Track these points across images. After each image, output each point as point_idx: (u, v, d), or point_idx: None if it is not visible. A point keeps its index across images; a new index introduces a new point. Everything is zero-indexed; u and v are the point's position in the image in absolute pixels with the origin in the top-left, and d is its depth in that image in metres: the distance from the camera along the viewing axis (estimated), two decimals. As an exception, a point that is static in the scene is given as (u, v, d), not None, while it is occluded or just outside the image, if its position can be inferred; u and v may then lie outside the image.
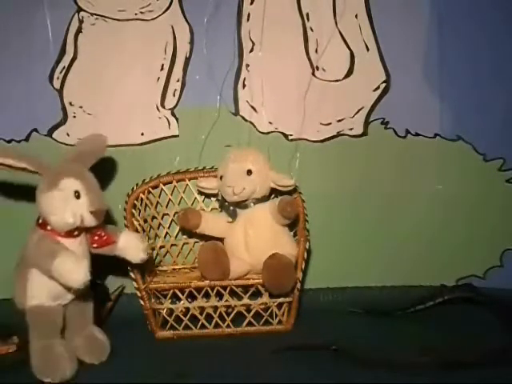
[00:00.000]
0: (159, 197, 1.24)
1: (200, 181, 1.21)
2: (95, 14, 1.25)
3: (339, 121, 1.30)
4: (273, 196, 1.18)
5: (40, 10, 1.23)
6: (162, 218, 1.25)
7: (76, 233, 0.93)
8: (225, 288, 1.08)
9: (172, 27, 1.27)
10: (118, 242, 0.97)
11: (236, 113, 1.28)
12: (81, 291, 0.92)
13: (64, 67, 1.25)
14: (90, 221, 0.91)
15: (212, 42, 1.26)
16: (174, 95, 1.28)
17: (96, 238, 0.96)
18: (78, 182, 0.91)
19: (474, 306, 1.19)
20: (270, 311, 1.12)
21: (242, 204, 1.13)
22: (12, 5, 1.23)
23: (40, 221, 0.93)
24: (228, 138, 1.26)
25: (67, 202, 0.89)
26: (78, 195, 0.90)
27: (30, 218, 1.17)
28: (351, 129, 1.30)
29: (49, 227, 0.91)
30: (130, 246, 0.97)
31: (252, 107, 1.28)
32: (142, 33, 1.26)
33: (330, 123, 1.30)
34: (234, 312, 1.11)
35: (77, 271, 0.86)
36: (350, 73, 1.29)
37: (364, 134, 1.30)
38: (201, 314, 1.12)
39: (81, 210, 0.90)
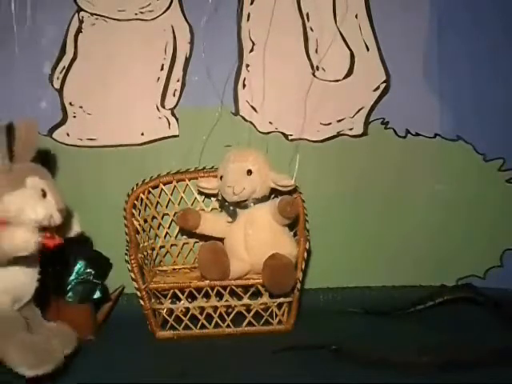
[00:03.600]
0: (159, 197, 1.24)
1: (200, 181, 1.21)
2: (95, 14, 1.25)
3: (339, 121, 1.30)
4: (273, 196, 1.18)
5: (40, 9, 1.23)
6: (162, 218, 1.25)
7: None
8: (225, 288, 1.08)
9: (172, 27, 1.27)
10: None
11: (236, 113, 1.28)
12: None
13: (64, 67, 1.25)
14: (57, 219, 0.89)
15: (212, 42, 1.26)
16: (174, 95, 1.28)
17: (47, 238, 0.91)
18: (43, 181, 0.90)
19: (473, 306, 1.19)
20: (270, 311, 1.12)
21: (242, 204, 1.13)
22: (12, 5, 1.23)
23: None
24: (228, 138, 1.26)
25: (36, 200, 0.87)
26: (44, 194, 0.89)
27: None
28: (351, 129, 1.30)
29: (6, 227, 0.86)
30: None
31: (252, 107, 1.28)
32: (142, 33, 1.26)
33: (330, 123, 1.30)
34: (234, 312, 1.11)
35: (26, 237, 0.84)
36: (350, 73, 1.29)
37: (364, 134, 1.30)
38: (201, 314, 1.12)
39: (49, 208, 0.88)
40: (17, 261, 0.88)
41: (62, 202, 0.91)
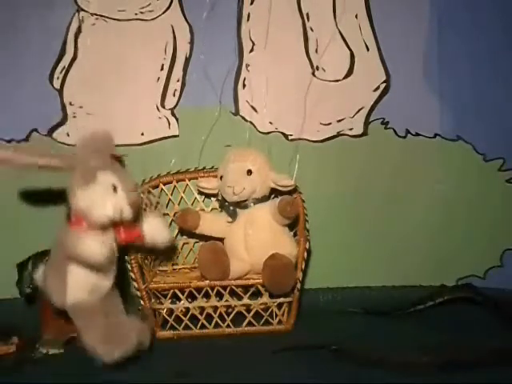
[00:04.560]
0: (159, 197, 1.24)
1: (200, 181, 1.21)
2: (95, 14, 1.25)
3: (339, 121, 1.30)
4: (273, 196, 1.18)
5: (40, 9, 1.23)
6: (161, 218, 1.25)
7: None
8: (225, 288, 1.08)
9: (172, 27, 1.27)
10: (145, 234, 0.98)
11: (236, 113, 1.28)
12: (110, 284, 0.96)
13: (64, 67, 1.25)
14: (129, 214, 0.92)
15: (212, 42, 1.26)
16: (174, 95, 1.28)
17: (123, 232, 0.96)
18: (114, 175, 0.92)
19: (473, 306, 1.19)
20: (270, 311, 1.12)
21: (242, 204, 1.13)
22: (12, 5, 1.23)
23: (73, 218, 0.92)
24: (228, 138, 1.26)
25: (106, 196, 0.90)
26: (114, 188, 0.91)
27: (29, 219, 1.18)
28: (351, 129, 1.30)
29: (84, 223, 0.91)
30: (154, 232, 0.97)
31: (252, 107, 1.28)
32: (142, 33, 1.26)
33: (330, 123, 1.30)
34: (234, 312, 1.11)
35: (99, 249, 0.88)
36: (350, 73, 1.29)
37: (364, 134, 1.30)
38: (201, 314, 1.12)
39: (119, 203, 0.91)
40: None
41: (135, 195, 0.93)
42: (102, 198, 0.90)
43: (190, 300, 1.11)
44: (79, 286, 0.94)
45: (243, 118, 1.29)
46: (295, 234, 1.18)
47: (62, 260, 0.93)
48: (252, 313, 1.11)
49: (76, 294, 0.94)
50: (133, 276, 1.10)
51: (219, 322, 1.11)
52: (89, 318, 0.93)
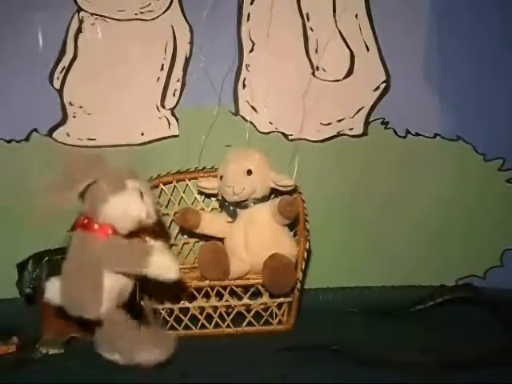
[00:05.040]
0: (159, 197, 1.24)
1: (200, 181, 1.21)
2: (95, 14, 1.25)
3: (339, 121, 1.30)
4: (273, 196, 1.18)
5: (40, 9, 1.23)
6: (162, 218, 1.25)
7: None
8: (225, 288, 1.08)
9: (172, 27, 1.27)
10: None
11: (236, 113, 1.28)
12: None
13: (64, 67, 1.25)
14: (154, 217, 0.95)
15: (212, 42, 1.26)
16: (174, 95, 1.28)
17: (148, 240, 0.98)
18: (139, 183, 0.94)
19: (473, 306, 1.19)
20: (270, 311, 1.12)
21: (242, 204, 1.13)
22: (12, 4, 1.23)
23: (96, 226, 0.92)
24: (228, 138, 1.26)
25: (139, 200, 0.92)
26: (141, 195, 0.93)
27: (30, 219, 1.18)
28: (351, 129, 1.30)
29: (110, 231, 0.92)
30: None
31: (252, 107, 1.28)
32: (142, 33, 1.26)
33: (330, 123, 1.30)
34: (234, 312, 1.11)
35: (173, 264, 0.90)
36: (350, 73, 1.29)
37: (364, 134, 1.30)
38: (201, 314, 1.12)
39: (147, 207, 0.93)
40: None
41: (155, 203, 0.97)
42: (135, 202, 0.92)
43: (190, 300, 1.11)
44: (113, 293, 0.93)
45: (243, 117, 1.29)
46: (295, 234, 1.18)
47: (93, 270, 0.92)
48: (252, 313, 1.11)
49: (112, 301, 0.94)
50: (133, 276, 1.10)
51: (219, 321, 1.11)
52: (124, 324, 0.93)
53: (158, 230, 1.02)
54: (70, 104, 1.26)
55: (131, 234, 0.94)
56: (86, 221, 0.93)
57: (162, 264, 0.90)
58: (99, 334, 0.94)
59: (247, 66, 1.28)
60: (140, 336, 0.92)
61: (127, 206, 0.92)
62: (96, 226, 0.93)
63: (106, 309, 0.92)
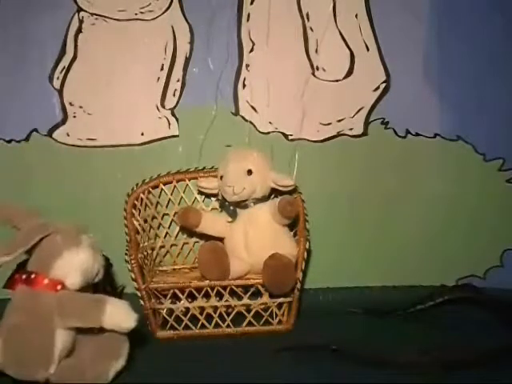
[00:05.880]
0: (159, 197, 1.24)
1: (200, 181, 1.21)
2: (95, 14, 1.25)
3: (339, 121, 1.30)
4: (273, 196, 1.18)
5: (40, 9, 1.23)
6: (161, 218, 1.25)
7: None
8: (225, 288, 1.08)
9: (172, 27, 1.27)
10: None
11: (236, 113, 1.28)
12: None
13: (64, 67, 1.25)
14: (100, 276, 0.95)
15: (212, 42, 1.26)
16: (174, 95, 1.28)
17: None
18: (91, 239, 0.94)
19: (473, 306, 1.19)
20: (270, 311, 1.12)
21: (242, 204, 1.13)
22: (12, 5, 1.23)
23: (46, 281, 0.89)
24: (228, 138, 1.26)
25: (92, 258, 0.92)
26: (94, 250, 0.93)
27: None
28: (351, 129, 1.30)
29: (59, 286, 0.89)
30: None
31: (252, 107, 1.28)
32: (141, 33, 1.26)
33: (330, 123, 1.30)
34: (234, 312, 1.11)
35: (131, 313, 0.89)
36: (350, 73, 1.29)
37: (364, 134, 1.30)
38: (201, 314, 1.12)
39: (98, 265, 0.94)
40: None
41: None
42: (89, 259, 0.91)
43: (189, 300, 1.11)
44: (63, 351, 0.88)
45: (243, 118, 1.29)
46: (295, 234, 1.18)
47: (44, 328, 0.86)
48: (252, 313, 1.11)
49: (60, 360, 0.88)
50: (133, 276, 1.10)
51: (219, 321, 1.11)
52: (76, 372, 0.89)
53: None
54: (70, 104, 1.26)
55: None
56: (33, 275, 0.89)
57: (119, 316, 0.88)
58: None
59: (247, 66, 1.28)
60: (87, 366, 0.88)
61: (82, 262, 0.90)
62: (46, 281, 0.89)
63: (53, 369, 0.87)
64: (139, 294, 1.10)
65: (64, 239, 0.90)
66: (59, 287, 0.89)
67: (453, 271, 1.31)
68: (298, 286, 1.11)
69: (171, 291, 1.09)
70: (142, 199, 1.20)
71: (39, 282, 0.89)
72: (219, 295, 1.10)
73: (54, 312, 0.87)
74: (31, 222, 0.92)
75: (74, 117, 1.26)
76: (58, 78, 1.25)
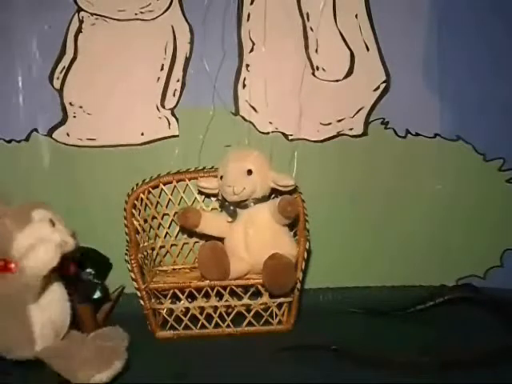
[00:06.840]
0: (159, 197, 1.24)
1: (200, 181, 1.21)
2: (95, 14, 1.25)
3: (339, 121, 1.30)
4: (273, 196, 1.18)
5: (40, 9, 1.23)
6: (162, 218, 1.25)
7: None
8: (225, 288, 1.08)
9: (172, 27, 1.27)
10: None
11: (236, 113, 1.28)
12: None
13: (64, 67, 1.25)
14: (72, 244, 0.89)
15: (212, 42, 1.26)
16: (174, 95, 1.28)
17: (72, 265, 0.95)
18: (48, 211, 0.90)
19: (473, 306, 1.19)
20: (270, 311, 1.12)
21: (242, 204, 1.13)
22: (12, 5, 1.23)
23: (13, 265, 0.86)
24: (228, 138, 1.26)
25: (49, 229, 0.87)
26: (53, 223, 0.89)
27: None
28: (351, 129, 1.30)
29: (21, 266, 0.84)
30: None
31: (252, 107, 1.28)
32: (141, 33, 1.26)
33: (330, 123, 1.30)
34: (234, 312, 1.11)
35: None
36: (350, 73, 1.29)
37: (364, 134, 1.30)
38: (201, 314, 1.12)
39: (63, 235, 0.88)
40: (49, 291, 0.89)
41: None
42: (46, 231, 0.87)
43: (189, 300, 1.11)
44: (46, 328, 0.87)
45: (243, 117, 1.29)
46: (295, 234, 1.18)
47: (16, 307, 0.86)
48: (252, 313, 1.11)
49: (47, 337, 0.87)
50: (133, 276, 1.10)
51: (219, 321, 1.11)
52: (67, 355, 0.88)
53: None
54: (70, 104, 1.26)
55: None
56: (1, 263, 0.87)
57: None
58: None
59: (247, 66, 1.28)
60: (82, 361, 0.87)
61: (39, 238, 0.85)
62: (13, 265, 0.86)
63: (41, 346, 0.86)
64: (139, 294, 1.10)
65: (13, 221, 0.87)
66: (16, 268, 0.85)
67: (453, 271, 1.31)
68: (298, 285, 1.11)
69: (171, 291, 1.09)
70: (141, 199, 1.20)
71: (8, 267, 0.86)
72: (219, 295, 1.10)
73: (22, 290, 0.85)
74: None
75: (74, 117, 1.26)
76: (57, 78, 1.25)
